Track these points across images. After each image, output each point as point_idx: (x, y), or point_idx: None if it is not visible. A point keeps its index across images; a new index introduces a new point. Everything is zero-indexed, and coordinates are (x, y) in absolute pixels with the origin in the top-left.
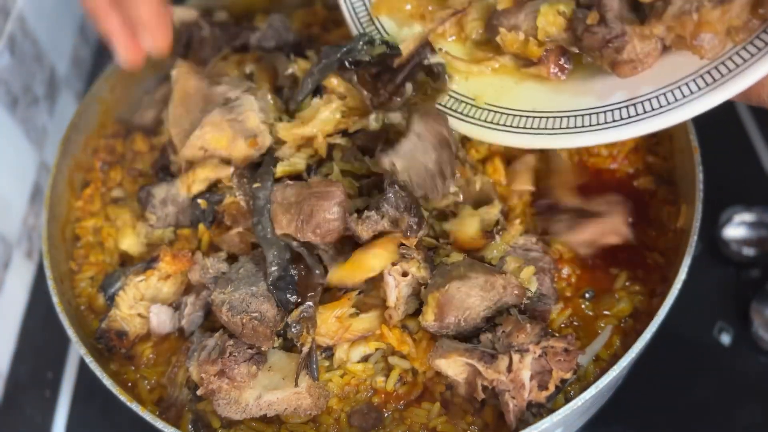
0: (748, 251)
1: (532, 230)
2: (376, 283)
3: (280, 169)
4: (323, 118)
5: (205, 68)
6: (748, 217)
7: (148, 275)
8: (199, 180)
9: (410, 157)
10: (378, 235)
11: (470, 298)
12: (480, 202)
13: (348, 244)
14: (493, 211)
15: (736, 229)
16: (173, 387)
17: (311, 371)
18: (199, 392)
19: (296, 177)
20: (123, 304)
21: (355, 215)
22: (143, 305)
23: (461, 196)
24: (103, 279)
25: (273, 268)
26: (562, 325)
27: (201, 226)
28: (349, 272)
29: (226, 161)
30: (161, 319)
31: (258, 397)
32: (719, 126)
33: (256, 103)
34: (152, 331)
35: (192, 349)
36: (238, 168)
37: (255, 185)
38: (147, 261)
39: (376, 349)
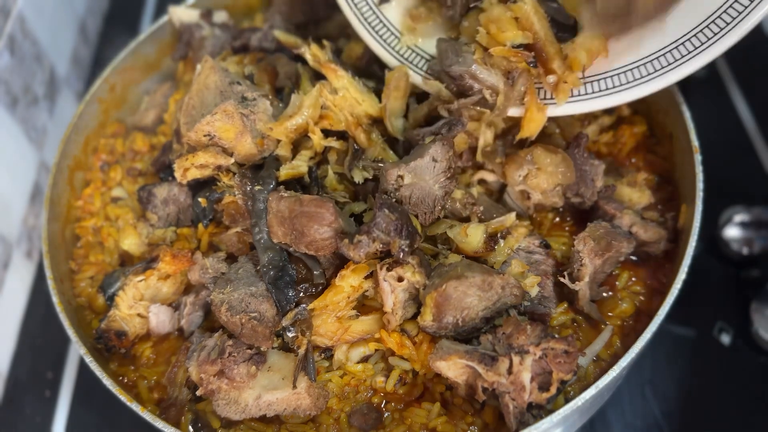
0: (748, 251)
1: (536, 233)
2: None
3: (283, 173)
4: (308, 104)
5: None
6: (748, 217)
7: (147, 275)
8: (196, 165)
9: (419, 176)
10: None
11: (468, 297)
12: (489, 209)
13: None
14: (507, 224)
15: (736, 229)
16: (173, 387)
17: (309, 373)
18: (198, 392)
19: (299, 179)
20: (122, 304)
21: (346, 241)
22: (143, 305)
23: (476, 194)
24: (102, 279)
25: (267, 269)
26: (558, 326)
27: (200, 226)
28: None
29: (228, 154)
30: (161, 319)
31: (257, 398)
32: (719, 126)
33: (270, 108)
34: (152, 331)
35: (192, 350)
36: (241, 168)
37: (257, 187)
38: (147, 261)
39: (376, 350)
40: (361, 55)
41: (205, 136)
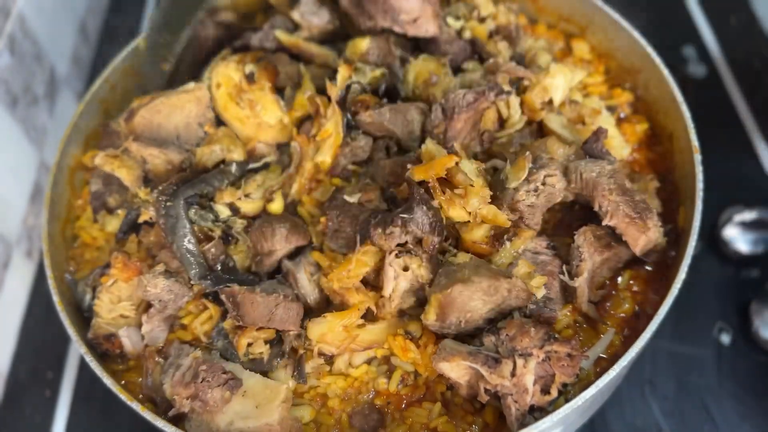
0: (748, 251)
1: (543, 234)
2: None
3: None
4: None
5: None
6: (748, 217)
7: (104, 281)
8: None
9: None
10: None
11: (473, 301)
12: None
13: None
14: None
15: (736, 229)
16: (158, 392)
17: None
18: (170, 413)
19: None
20: (102, 310)
21: (380, 230)
22: (122, 306)
23: None
24: (72, 288)
25: (196, 278)
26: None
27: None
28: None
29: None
30: (134, 340)
31: (229, 423)
32: (719, 126)
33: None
34: (131, 355)
35: (168, 363)
36: (160, 186)
37: (168, 203)
38: (102, 267)
39: (381, 356)
40: (366, 52)
41: (140, 157)
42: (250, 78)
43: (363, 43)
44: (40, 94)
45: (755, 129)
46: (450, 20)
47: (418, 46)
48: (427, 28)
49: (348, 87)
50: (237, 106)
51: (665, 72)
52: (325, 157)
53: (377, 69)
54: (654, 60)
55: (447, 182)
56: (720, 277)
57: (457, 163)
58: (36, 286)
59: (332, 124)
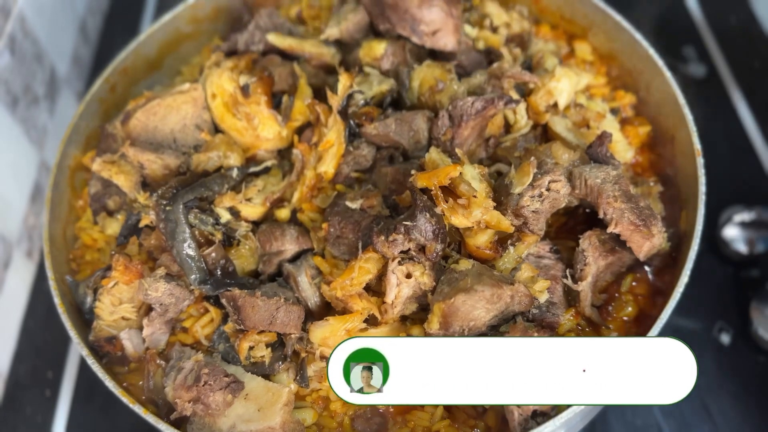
0: (748, 251)
1: (546, 238)
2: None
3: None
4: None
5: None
6: (748, 217)
7: (105, 283)
8: (113, 172)
9: None
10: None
11: (476, 310)
12: None
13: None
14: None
15: (736, 229)
16: (160, 395)
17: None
18: (172, 416)
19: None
20: (103, 313)
21: (382, 237)
22: (124, 308)
23: None
24: (72, 291)
25: (196, 283)
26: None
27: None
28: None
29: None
30: (135, 342)
31: (232, 427)
32: (719, 126)
33: None
34: (132, 358)
35: (170, 366)
36: (160, 189)
37: (167, 207)
38: (103, 269)
39: None
40: (381, 57)
41: (138, 162)
42: (245, 91)
43: (379, 47)
44: (40, 94)
45: (755, 129)
46: (467, 28)
47: (430, 52)
48: (446, 41)
49: (349, 96)
50: (234, 117)
51: (668, 74)
52: (328, 168)
53: (384, 83)
54: (656, 62)
55: (450, 191)
56: (720, 277)
57: (461, 172)
58: (36, 285)
59: (334, 134)
